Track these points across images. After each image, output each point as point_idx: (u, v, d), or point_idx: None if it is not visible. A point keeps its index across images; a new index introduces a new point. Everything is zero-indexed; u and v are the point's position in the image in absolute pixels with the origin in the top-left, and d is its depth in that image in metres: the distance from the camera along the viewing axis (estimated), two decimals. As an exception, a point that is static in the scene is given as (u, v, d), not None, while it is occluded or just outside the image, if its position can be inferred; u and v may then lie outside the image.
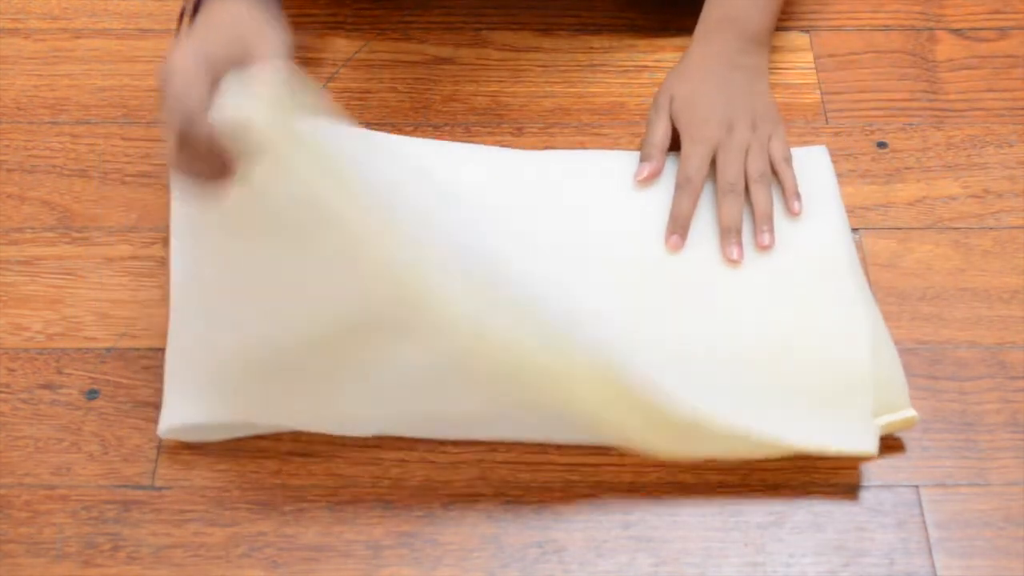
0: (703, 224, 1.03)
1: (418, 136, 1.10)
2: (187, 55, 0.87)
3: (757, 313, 0.98)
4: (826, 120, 1.13)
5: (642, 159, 1.06)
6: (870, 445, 0.92)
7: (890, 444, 0.94)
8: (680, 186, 1.03)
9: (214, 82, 0.87)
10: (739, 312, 0.98)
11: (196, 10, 0.93)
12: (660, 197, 1.05)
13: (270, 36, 0.90)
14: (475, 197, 1.04)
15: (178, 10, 0.94)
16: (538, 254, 1.01)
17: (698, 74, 1.09)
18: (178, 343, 0.97)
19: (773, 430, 0.92)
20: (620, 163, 1.07)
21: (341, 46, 1.18)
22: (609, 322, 0.97)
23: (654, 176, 1.05)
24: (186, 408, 0.94)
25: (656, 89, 1.10)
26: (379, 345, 0.96)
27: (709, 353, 0.96)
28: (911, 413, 0.93)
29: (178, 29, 0.95)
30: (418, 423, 0.95)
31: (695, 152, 1.04)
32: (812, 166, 1.07)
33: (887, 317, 0.99)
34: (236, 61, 0.87)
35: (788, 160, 1.05)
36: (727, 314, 0.98)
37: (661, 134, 1.07)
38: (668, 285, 1.00)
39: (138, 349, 0.99)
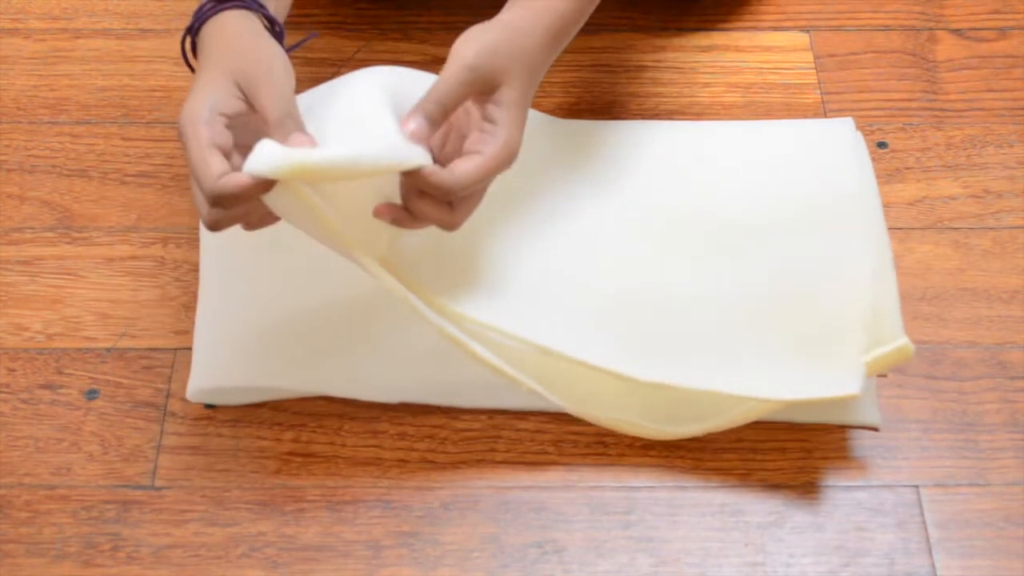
0: (693, 167, 1.04)
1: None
2: (195, 119, 0.86)
3: (751, 258, 0.99)
4: (826, 120, 1.13)
5: (427, 113, 0.91)
6: (854, 387, 0.91)
7: (890, 444, 0.94)
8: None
9: (231, 134, 0.87)
10: (732, 258, 0.99)
11: (197, 29, 0.93)
12: (651, 152, 1.06)
13: (273, 77, 0.88)
14: None
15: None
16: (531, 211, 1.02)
17: (518, 62, 0.94)
18: (208, 306, 0.98)
19: (753, 384, 0.92)
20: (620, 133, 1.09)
21: (341, 46, 1.18)
22: (599, 269, 0.98)
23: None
24: (214, 371, 0.95)
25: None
26: (407, 312, 0.96)
27: (699, 298, 0.97)
28: (903, 341, 0.92)
29: (183, 52, 0.95)
30: (444, 391, 0.96)
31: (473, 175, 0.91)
32: (835, 136, 1.07)
33: (887, 317, 0.99)
34: (244, 109, 0.88)
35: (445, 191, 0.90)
36: (719, 259, 0.99)
37: (454, 105, 0.92)
38: (661, 230, 1.01)
39: (138, 349, 0.99)
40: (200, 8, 0.92)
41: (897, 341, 0.92)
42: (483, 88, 0.91)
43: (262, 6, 0.93)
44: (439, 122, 0.90)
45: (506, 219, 1.01)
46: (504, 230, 1.00)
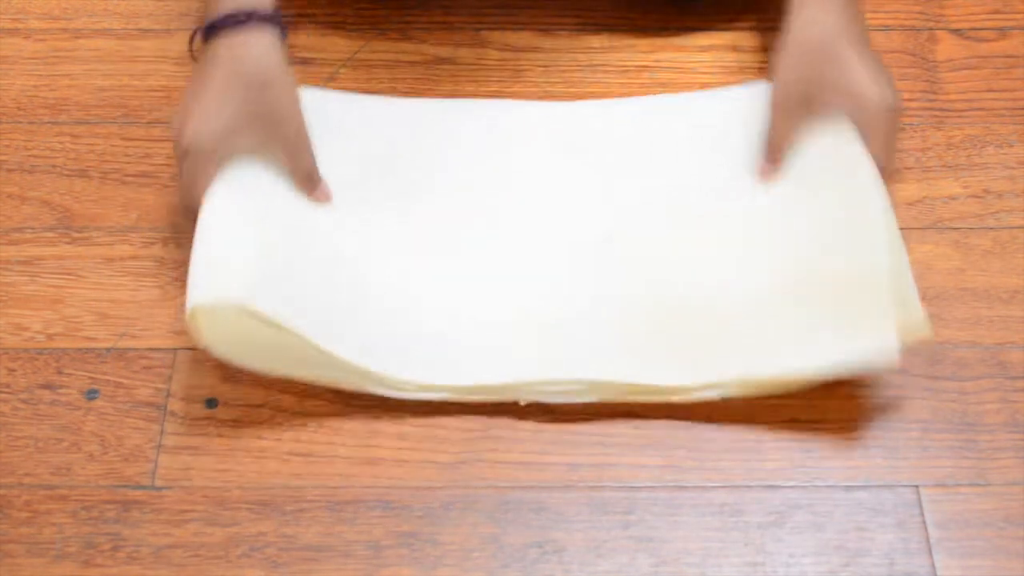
0: (719, 148, 1.05)
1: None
2: (203, 134, 0.97)
3: (776, 237, 1.00)
4: (826, 120, 1.13)
5: (769, 159, 1.04)
6: (891, 358, 0.92)
7: (890, 444, 0.94)
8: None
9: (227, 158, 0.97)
10: (758, 236, 1.00)
11: (207, 36, 0.96)
12: (673, 136, 1.07)
13: (293, 113, 0.99)
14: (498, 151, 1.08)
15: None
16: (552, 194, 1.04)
17: (831, 52, 1.03)
18: (212, 224, 0.98)
19: (792, 359, 0.94)
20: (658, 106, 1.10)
21: (341, 46, 1.18)
22: (625, 251, 1.00)
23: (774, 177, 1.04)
24: (218, 285, 0.94)
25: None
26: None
27: (730, 277, 0.98)
28: (926, 333, 0.94)
29: (190, 52, 0.98)
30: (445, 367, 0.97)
31: (883, 144, 1.03)
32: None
33: (887, 317, 0.99)
34: (259, 144, 0.98)
35: None
36: (746, 238, 1.00)
37: (791, 136, 1.03)
38: (687, 211, 1.02)
39: (138, 349, 0.99)
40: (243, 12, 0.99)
41: (921, 333, 0.94)
42: (799, 112, 1.03)
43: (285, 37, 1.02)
44: (777, 159, 1.03)
45: (508, 221, 1.02)
46: (508, 233, 1.01)
